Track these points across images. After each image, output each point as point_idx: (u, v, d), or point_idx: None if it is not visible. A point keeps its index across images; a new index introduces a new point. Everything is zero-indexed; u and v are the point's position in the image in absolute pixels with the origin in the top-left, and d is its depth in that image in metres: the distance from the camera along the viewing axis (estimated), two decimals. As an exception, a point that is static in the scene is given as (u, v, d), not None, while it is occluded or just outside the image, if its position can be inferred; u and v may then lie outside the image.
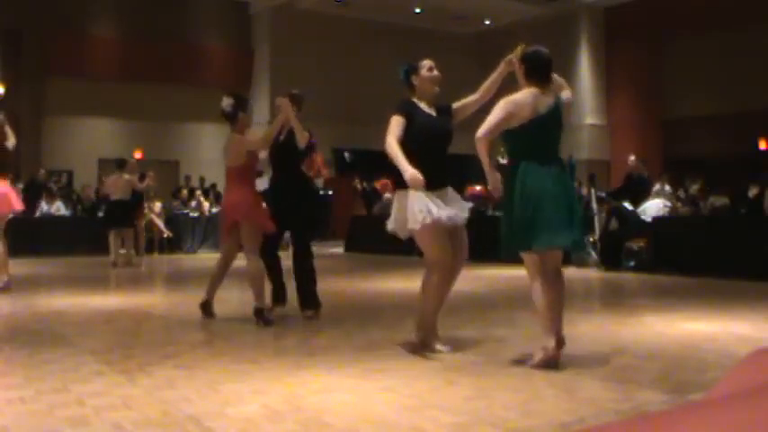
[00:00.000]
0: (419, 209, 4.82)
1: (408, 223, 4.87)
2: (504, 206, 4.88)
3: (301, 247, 7.00)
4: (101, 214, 16.77)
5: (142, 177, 14.42)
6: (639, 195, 12.55)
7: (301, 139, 6.63)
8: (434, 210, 4.83)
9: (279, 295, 7.10)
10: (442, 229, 4.92)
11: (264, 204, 6.86)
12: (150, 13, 20.89)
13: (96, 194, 17.74)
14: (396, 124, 5.03)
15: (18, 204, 8.97)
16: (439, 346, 5.09)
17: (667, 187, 15.89)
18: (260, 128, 21.63)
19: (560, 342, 4.60)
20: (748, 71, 19.10)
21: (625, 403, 3.83)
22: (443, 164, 5.14)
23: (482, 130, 4.69)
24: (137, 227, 14.58)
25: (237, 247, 6.93)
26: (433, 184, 4.89)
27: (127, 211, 13.31)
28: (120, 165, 13.45)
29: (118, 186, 13.21)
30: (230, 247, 6.98)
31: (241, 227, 6.61)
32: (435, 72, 5.27)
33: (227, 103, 6.77)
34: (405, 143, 4.97)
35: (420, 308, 5.17)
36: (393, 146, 4.92)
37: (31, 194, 15.45)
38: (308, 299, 6.87)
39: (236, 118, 6.73)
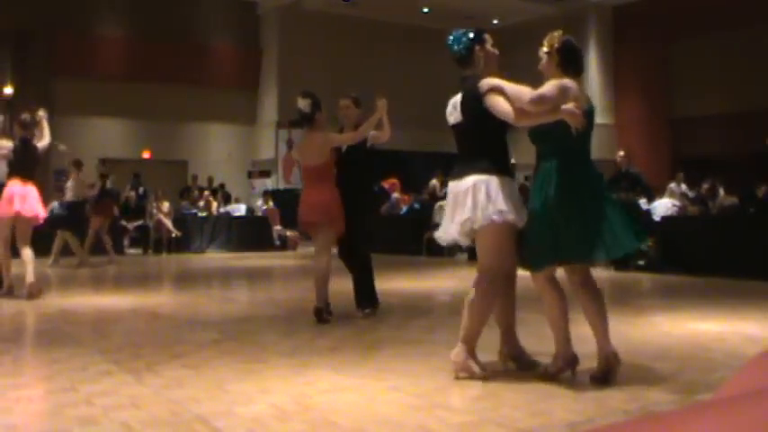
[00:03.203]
0: (505, 202, 4.24)
1: (502, 214, 4.23)
2: (562, 210, 4.23)
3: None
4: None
5: (103, 177, 14.36)
6: (631, 190, 12.45)
7: (386, 134, 6.80)
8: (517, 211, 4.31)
9: (370, 296, 7.04)
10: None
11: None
12: (158, 13, 20.92)
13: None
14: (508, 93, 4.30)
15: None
16: (477, 369, 4.38)
17: (674, 185, 15.77)
18: (268, 129, 21.70)
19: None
20: (756, 70, 19.01)
21: (633, 403, 3.82)
22: None
23: (533, 100, 4.15)
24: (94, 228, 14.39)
25: (332, 242, 6.85)
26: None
27: (76, 213, 13.14)
28: (77, 165, 13.38)
29: (72, 187, 13.16)
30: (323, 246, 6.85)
31: (319, 226, 6.59)
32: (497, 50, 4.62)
33: (304, 103, 6.75)
34: (487, 129, 4.42)
35: (464, 328, 4.43)
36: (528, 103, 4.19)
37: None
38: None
39: (313, 118, 6.75)
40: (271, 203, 17.93)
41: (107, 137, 20.47)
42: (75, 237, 13.13)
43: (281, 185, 21.08)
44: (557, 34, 4.46)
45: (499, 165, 4.35)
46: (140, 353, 5.19)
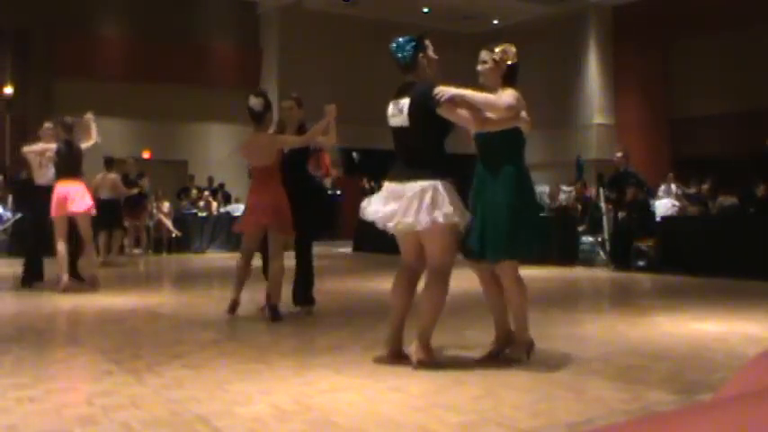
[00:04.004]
0: (450, 206, 4.52)
1: (447, 217, 4.48)
2: (515, 205, 4.61)
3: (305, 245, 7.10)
4: None
5: (139, 177, 14.37)
6: (639, 188, 12.44)
7: (332, 139, 6.84)
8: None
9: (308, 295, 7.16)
10: None
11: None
12: (158, 14, 20.92)
13: None
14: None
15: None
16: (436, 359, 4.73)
17: (665, 186, 15.74)
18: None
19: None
20: (756, 70, 19.01)
21: (633, 403, 3.82)
22: None
23: (508, 108, 4.56)
24: (137, 226, 14.56)
25: (259, 246, 6.94)
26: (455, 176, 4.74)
27: (114, 211, 13.23)
28: (108, 163, 13.43)
29: (104, 185, 13.18)
30: (252, 248, 6.97)
31: (268, 231, 6.61)
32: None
33: (256, 102, 6.73)
34: (432, 134, 4.69)
35: (425, 320, 4.70)
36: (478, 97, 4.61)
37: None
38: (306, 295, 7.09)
39: (264, 117, 6.75)
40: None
41: (107, 137, 20.36)
42: (118, 235, 13.26)
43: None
44: (513, 50, 4.81)
45: (442, 169, 4.62)
46: (141, 353, 5.19)
